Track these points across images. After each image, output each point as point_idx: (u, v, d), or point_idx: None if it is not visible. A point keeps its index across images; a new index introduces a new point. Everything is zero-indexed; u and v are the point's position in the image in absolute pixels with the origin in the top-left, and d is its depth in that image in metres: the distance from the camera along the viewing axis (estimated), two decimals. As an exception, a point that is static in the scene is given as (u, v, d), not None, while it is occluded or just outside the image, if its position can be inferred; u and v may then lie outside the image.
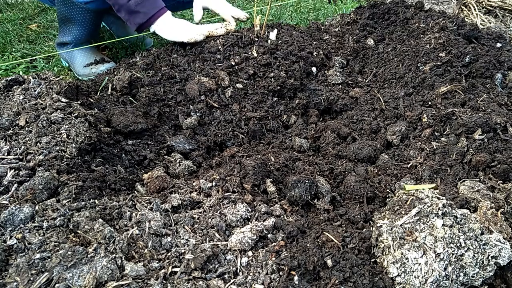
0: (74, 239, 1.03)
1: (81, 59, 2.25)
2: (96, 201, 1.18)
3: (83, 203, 1.15)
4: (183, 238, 1.09)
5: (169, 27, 2.00)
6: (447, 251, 0.98)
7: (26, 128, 1.36)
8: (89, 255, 0.98)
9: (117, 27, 2.64)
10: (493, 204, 1.16)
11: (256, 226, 1.11)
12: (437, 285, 0.96)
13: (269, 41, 2.07)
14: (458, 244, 0.99)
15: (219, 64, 1.91)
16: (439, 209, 1.05)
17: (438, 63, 1.88)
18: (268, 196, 1.35)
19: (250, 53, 1.97)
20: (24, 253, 0.98)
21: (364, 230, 1.13)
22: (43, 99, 1.48)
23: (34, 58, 2.45)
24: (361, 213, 1.23)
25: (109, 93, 1.77)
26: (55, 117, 1.40)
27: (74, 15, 2.13)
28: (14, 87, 1.54)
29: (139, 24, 1.96)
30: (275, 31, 2.16)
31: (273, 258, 1.04)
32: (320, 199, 1.34)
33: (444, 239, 0.99)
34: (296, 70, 1.97)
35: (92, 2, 2.08)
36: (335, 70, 2.11)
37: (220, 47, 1.99)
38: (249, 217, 1.18)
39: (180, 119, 1.75)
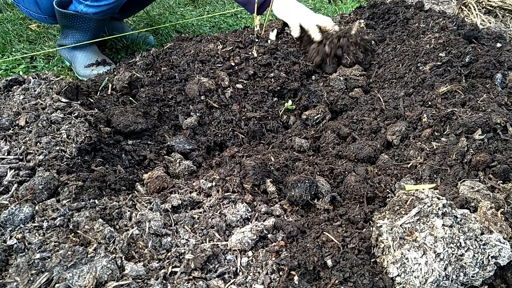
0: (74, 239, 1.03)
1: (82, 60, 2.25)
2: (96, 201, 1.18)
3: (83, 203, 1.15)
4: (183, 238, 1.09)
5: (285, 6, 2.07)
6: (447, 251, 0.98)
7: (26, 128, 1.36)
8: (89, 255, 0.98)
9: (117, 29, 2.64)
10: (493, 204, 1.16)
11: (256, 226, 1.11)
12: (437, 285, 0.96)
13: (269, 41, 2.07)
14: (458, 244, 0.99)
15: (219, 65, 1.91)
16: (439, 209, 1.05)
17: (438, 63, 1.88)
18: (268, 196, 1.35)
19: (250, 53, 1.97)
20: (24, 253, 0.98)
21: (364, 230, 1.13)
22: (43, 99, 1.48)
23: (34, 57, 2.45)
24: (361, 213, 1.23)
25: (109, 93, 1.78)
26: (55, 117, 1.40)
27: (77, 24, 2.14)
28: (14, 87, 1.55)
29: (260, 4, 2.04)
30: (275, 31, 2.16)
31: (273, 258, 1.04)
32: (320, 199, 1.34)
33: (444, 239, 0.99)
34: (296, 71, 1.97)
35: (100, 12, 2.10)
36: (335, 70, 2.10)
37: (219, 47, 1.99)
38: (249, 217, 1.18)
39: (180, 119, 1.75)
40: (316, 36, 2.04)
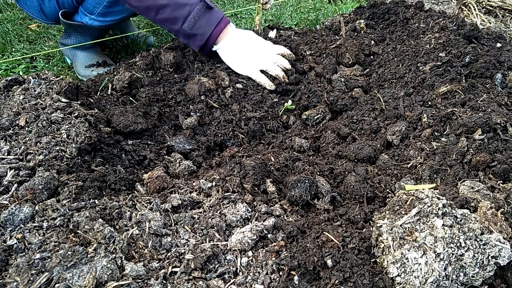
0: (74, 239, 1.03)
1: (83, 59, 2.25)
2: (96, 201, 1.18)
3: (83, 203, 1.15)
4: (183, 238, 1.09)
5: (232, 51, 1.80)
6: (447, 251, 0.98)
7: (26, 128, 1.36)
8: (89, 255, 0.98)
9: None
10: (493, 204, 1.16)
11: (256, 226, 1.11)
12: (437, 285, 0.96)
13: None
14: (458, 244, 0.99)
15: (219, 64, 1.91)
16: (439, 209, 1.05)
17: (438, 63, 1.88)
18: (268, 196, 1.35)
19: (250, 53, 1.96)
20: (24, 253, 0.98)
21: (364, 230, 1.13)
22: (43, 99, 1.48)
23: (34, 57, 2.45)
24: (361, 213, 1.23)
25: (109, 93, 1.78)
26: (55, 117, 1.40)
27: (81, 31, 2.18)
28: (14, 87, 1.55)
29: (200, 47, 1.83)
30: (275, 30, 2.16)
31: (273, 258, 1.04)
32: (320, 199, 1.34)
33: (444, 239, 0.99)
34: (296, 71, 1.97)
35: (104, 25, 2.14)
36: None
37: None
38: (249, 217, 1.18)
39: (180, 119, 1.75)
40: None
